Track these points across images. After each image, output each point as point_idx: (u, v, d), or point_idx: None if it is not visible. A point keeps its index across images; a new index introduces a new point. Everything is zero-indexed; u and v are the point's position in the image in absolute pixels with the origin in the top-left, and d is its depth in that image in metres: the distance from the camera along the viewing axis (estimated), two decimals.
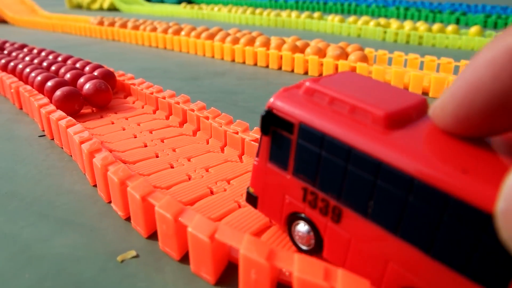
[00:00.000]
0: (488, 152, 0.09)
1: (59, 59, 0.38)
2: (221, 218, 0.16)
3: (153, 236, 0.16)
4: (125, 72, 0.40)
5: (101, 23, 0.70)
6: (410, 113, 0.10)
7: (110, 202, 0.18)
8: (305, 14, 0.81)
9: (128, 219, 0.17)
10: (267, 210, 0.14)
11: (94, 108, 0.29)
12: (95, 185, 0.19)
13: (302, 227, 0.13)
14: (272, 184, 0.13)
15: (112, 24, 0.68)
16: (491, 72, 0.08)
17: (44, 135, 0.26)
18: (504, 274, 0.08)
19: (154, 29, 0.60)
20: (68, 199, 0.18)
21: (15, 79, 0.32)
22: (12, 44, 0.47)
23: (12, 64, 0.35)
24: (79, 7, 1.40)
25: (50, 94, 0.28)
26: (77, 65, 0.35)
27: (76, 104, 0.27)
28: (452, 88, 0.09)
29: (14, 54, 0.40)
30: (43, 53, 0.41)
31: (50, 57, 0.39)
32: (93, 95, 0.28)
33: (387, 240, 0.10)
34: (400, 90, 0.12)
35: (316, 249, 0.13)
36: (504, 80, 0.08)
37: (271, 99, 0.12)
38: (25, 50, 0.44)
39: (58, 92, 0.27)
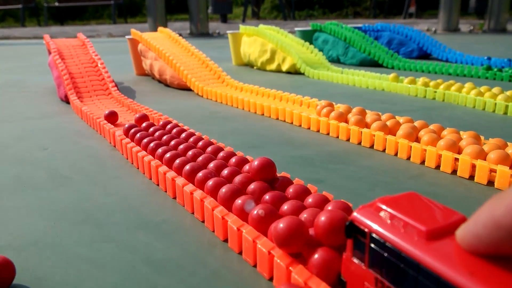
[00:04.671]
0: (494, 264, 0.12)
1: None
2: None
3: None
4: None
5: (340, 117, 0.50)
6: (447, 229, 0.14)
7: None
8: None
9: None
10: None
11: None
12: None
13: None
14: (355, 273, 0.17)
15: (361, 122, 0.47)
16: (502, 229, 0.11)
17: None
18: None
19: (455, 149, 0.37)
20: None
21: None
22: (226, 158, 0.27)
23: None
24: (249, 65, 1.28)
25: None
26: None
27: None
28: (473, 227, 0.13)
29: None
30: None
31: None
32: None
33: None
34: (447, 209, 0.16)
35: None
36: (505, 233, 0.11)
37: (354, 213, 0.17)
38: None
39: None
